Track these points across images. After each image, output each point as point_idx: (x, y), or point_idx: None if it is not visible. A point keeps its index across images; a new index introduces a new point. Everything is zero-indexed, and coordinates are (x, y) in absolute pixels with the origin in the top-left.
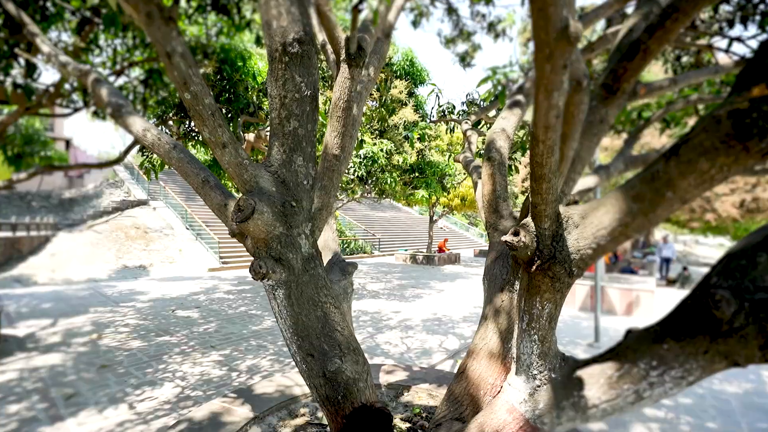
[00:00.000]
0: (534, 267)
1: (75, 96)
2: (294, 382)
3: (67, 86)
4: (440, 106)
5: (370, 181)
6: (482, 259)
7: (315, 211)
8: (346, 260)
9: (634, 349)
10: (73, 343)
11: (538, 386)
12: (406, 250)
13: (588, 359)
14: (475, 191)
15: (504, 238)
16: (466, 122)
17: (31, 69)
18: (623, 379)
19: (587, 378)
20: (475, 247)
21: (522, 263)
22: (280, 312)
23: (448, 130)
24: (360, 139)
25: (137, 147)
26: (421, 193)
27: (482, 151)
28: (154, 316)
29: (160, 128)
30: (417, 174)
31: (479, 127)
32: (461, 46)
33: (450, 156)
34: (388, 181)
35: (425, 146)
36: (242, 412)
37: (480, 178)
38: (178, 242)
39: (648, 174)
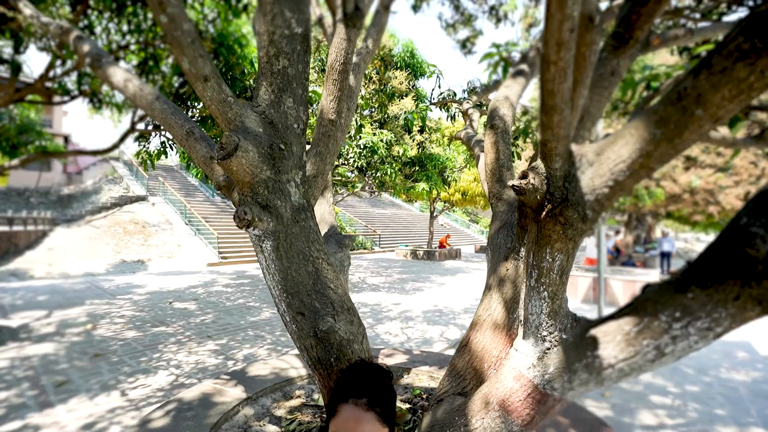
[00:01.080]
0: (544, 213)
1: (70, 85)
2: (289, 365)
3: (58, 70)
4: (441, 93)
5: (369, 172)
6: (483, 255)
7: (310, 178)
8: (343, 234)
9: (654, 301)
10: (67, 333)
11: (548, 349)
12: (406, 245)
13: (602, 317)
14: (477, 164)
15: (511, 182)
16: (468, 102)
17: (18, 42)
18: (642, 334)
19: (602, 336)
20: (476, 244)
21: (530, 212)
22: (268, 267)
23: (449, 117)
24: (358, 123)
25: (134, 136)
26: (422, 185)
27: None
28: (151, 308)
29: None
30: (417, 167)
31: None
32: (462, 32)
33: (450, 143)
34: (388, 172)
35: (425, 138)
36: (235, 393)
37: (482, 150)
38: (176, 237)
39: (674, 93)
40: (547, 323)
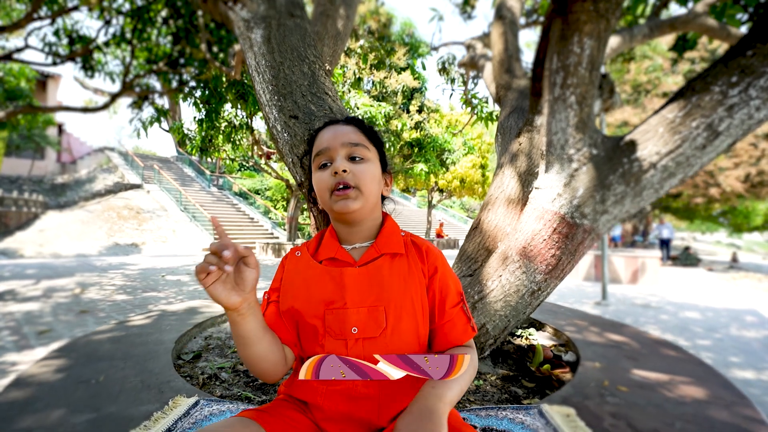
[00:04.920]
0: None
1: (61, 50)
2: None
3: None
4: (441, 58)
5: None
6: None
7: None
8: None
9: (703, 77)
10: (54, 295)
11: (576, 170)
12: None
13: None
14: (484, 76)
15: None
16: (471, 40)
17: None
18: (691, 115)
19: (641, 136)
20: None
21: (553, 3)
22: (258, 64)
23: (449, 81)
24: (357, 77)
25: (130, 102)
26: (421, 166)
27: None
28: (143, 279)
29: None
30: (416, 149)
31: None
32: None
33: (448, 128)
34: (387, 146)
35: (424, 118)
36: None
37: (488, 60)
38: (171, 223)
39: None
40: (574, 138)
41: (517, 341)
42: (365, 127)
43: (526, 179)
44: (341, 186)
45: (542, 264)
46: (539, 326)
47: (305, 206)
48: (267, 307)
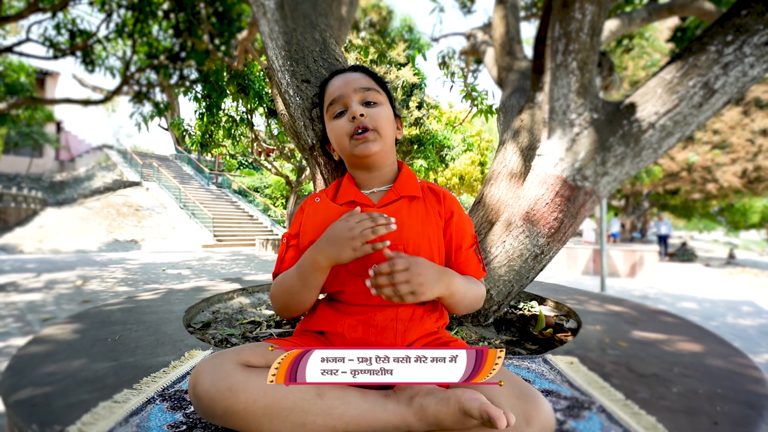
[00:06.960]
0: None
1: (60, 40)
2: None
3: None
4: (441, 52)
5: None
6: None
7: None
8: None
9: (699, 40)
10: (56, 287)
11: (578, 134)
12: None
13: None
14: (485, 60)
15: None
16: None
17: None
18: (688, 75)
19: (640, 98)
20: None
21: None
22: (271, 31)
23: (449, 75)
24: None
25: (131, 96)
26: (420, 162)
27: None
28: (144, 272)
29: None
30: (416, 146)
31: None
32: None
33: (447, 125)
34: None
35: (423, 114)
36: (230, 287)
37: (489, 45)
38: (171, 220)
39: None
40: (575, 103)
41: (520, 313)
42: (372, 72)
43: (528, 154)
44: (360, 130)
45: (545, 227)
46: (541, 301)
47: None
48: (287, 252)
